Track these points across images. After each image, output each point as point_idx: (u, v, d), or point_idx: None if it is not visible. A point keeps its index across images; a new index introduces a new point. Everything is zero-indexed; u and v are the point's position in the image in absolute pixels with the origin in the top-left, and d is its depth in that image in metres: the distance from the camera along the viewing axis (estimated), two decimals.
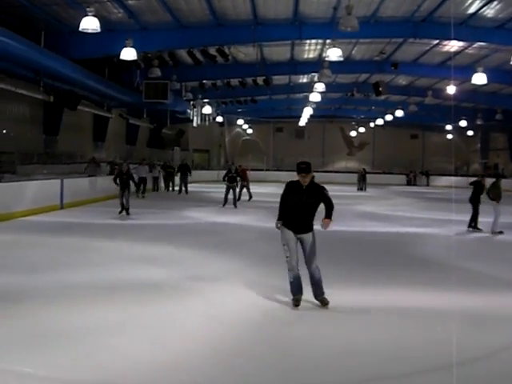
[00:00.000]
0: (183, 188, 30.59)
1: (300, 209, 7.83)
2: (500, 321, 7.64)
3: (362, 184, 41.32)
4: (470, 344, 6.58)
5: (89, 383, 5.30)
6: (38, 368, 5.53)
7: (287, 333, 6.96)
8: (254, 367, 5.78)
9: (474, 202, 17.33)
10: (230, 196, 23.08)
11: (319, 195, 7.94)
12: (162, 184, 32.49)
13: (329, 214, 8.08)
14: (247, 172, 27.00)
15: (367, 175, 42.49)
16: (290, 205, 7.89)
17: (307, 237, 7.95)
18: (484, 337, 6.95)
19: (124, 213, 18.82)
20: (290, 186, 8.01)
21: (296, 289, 7.94)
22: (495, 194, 16.70)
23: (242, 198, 25.21)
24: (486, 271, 11.11)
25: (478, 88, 33.46)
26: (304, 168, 7.77)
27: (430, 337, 6.88)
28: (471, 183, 18.01)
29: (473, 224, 17.32)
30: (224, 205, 22.65)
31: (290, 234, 7.89)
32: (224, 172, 24.71)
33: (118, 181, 18.82)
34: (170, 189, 32.41)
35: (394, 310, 8.06)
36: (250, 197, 26.45)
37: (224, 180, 23.32)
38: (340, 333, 7.00)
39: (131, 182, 19.23)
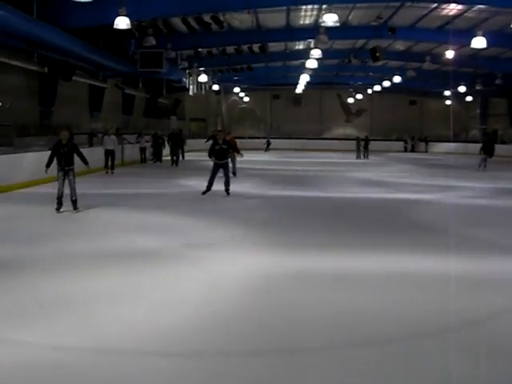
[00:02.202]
0: (174, 159, 28.87)
1: None
2: (498, 284, 7.67)
3: (361, 152, 39.69)
4: (469, 307, 6.65)
5: (87, 350, 5.34)
6: (37, 336, 5.58)
7: (286, 298, 6.99)
8: (251, 331, 5.83)
9: None
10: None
11: None
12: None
13: None
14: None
15: (369, 142, 40.83)
16: None
17: None
18: (483, 300, 6.98)
19: (71, 208, 12.95)
20: None
21: None
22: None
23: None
24: (484, 236, 11.13)
25: (477, 52, 33.19)
26: None
27: (430, 300, 6.92)
28: None
29: None
30: (206, 192, 16.07)
31: None
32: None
33: (53, 158, 12.99)
34: (158, 160, 30.43)
35: (393, 274, 8.09)
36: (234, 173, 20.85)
37: (211, 156, 16.51)
38: (340, 297, 7.01)
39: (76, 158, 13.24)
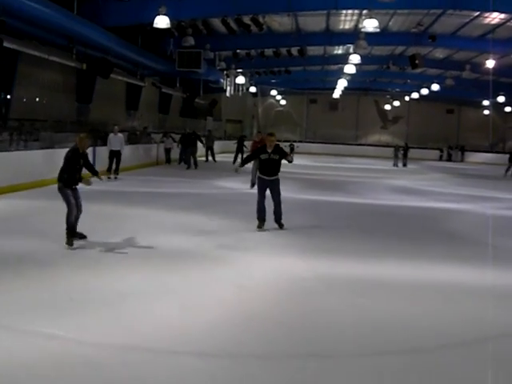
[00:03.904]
0: (192, 162, 26.65)
1: None
2: None
3: (399, 159, 38.49)
4: (503, 319, 6.59)
5: (117, 346, 5.36)
6: (67, 331, 5.60)
7: (316, 302, 6.96)
8: (281, 334, 5.83)
9: None
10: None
11: None
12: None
13: None
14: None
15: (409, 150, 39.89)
16: None
17: None
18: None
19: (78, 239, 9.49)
20: None
21: None
22: None
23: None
24: None
25: None
26: None
27: (464, 312, 6.87)
28: None
29: None
30: (261, 225, 11.51)
31: None
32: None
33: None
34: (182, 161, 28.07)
35: (426, 284, 8.02)
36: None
37: (243, 165, 12.50)
38: (371, 305, 6.96)
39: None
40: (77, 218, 9.48)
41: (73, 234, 9.34)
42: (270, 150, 11.49)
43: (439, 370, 5.10)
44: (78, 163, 9.65)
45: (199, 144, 28.66)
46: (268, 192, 11.60)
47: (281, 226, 11.62)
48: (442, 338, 5.93)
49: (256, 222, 11.55)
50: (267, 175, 11.53)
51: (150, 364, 5.01)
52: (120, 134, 20.94)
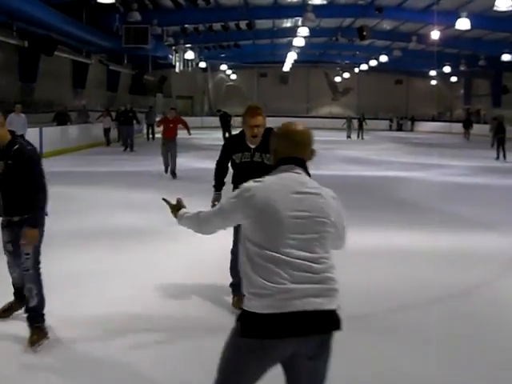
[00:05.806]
0: (128, 142, 24.71)
1: None
2: (474, 260, 7.89)
3: (352, 131, 38.39)
4: (446, 282, 6.78)
5: (72, 327, 5.28)
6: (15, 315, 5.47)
7: None
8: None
9: None
10: None
11: None
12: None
13: None
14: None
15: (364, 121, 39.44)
16: None
17: None
18: (459, 275, 7.14)
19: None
20: None
21: None
22: None
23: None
24: (464, 213, 11.31)
25: (461, 34, 33.16)
26: None
27: (417, 274, 7.09)
28: None
29: None
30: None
31: None
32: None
33: None
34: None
35: (379, 250, 8.21)
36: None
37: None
38: None
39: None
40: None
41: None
42: (253, 146, 6.00)
43: (392, 330, 5.23)
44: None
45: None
46: None
47: None
48: (397, 300, 6.15)
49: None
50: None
51: (105, 342, 4.98)
52: (23, 115, 17.85)
